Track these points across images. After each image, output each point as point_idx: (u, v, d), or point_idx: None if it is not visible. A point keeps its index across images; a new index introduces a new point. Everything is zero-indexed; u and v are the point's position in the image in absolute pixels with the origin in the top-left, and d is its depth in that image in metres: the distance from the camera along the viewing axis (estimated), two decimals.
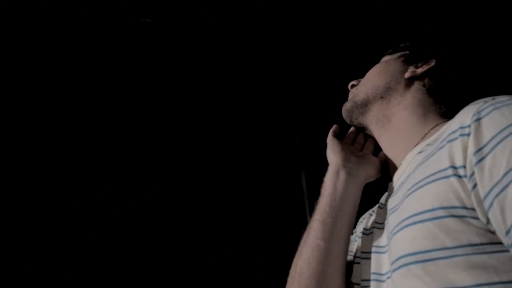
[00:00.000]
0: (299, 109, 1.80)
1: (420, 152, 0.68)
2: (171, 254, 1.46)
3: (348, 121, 0.86)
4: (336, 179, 0.75)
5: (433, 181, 0.57)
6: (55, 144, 1.47)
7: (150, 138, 1.58)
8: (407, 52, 0.82)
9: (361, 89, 0.82)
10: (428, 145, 0.67)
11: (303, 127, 1.78)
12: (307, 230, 0.74)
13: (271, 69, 1.78)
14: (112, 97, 1.57)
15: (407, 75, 0.77)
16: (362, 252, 0.73)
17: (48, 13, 1.49)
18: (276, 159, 1.72)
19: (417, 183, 0.60)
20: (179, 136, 1.61)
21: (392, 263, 0.60)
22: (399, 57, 0.81)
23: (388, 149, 0.78)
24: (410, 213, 0.59)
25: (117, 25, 1.57)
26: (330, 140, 0.84)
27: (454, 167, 0.54)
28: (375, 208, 0.81)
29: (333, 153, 0.80)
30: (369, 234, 0.74)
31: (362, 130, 0.86)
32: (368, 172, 0.79)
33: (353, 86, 0.88)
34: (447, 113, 0.74)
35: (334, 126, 0.87)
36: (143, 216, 1.48)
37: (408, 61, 0.79)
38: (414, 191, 0.60)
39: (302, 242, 0.73)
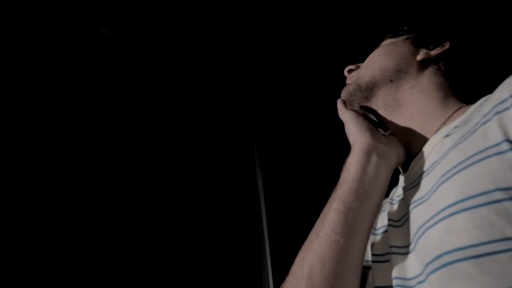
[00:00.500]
0: (257, 113, 1.73)
1: (447, 136, 0.59)
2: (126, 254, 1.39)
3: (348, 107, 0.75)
4: (366, 162, 0.60)
5: (482, 159, 0.48)
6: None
7: (107, 142, 1.49)
8: (414, 34, 0.74)
9: (366, 71, 0.73)
10: (456, 127, 0.59)
11: (260, 131, 1.72)
12: (320, 221, 0.58)
13: (229, 73, 1.71)
14: (67, 107, 1.46)
15: (419, 57, 0.69)
16: (374, 255, 0.62)
17: (4, 23, 1.38)
18: (233, 164, 1.65)
19: (456, 166, 0.51)
20: (137, 139, 1.53)
21: (428, 263, 0.49)
22: (406, 39, 0.74)
23: (399, 137, 0.68)
24: (452, 200, 0.48)
25: (76, 36, 1.48)
26: (351, 114, 0.67)
27: (510, 141, 0.46)
28: (383, 204, 0.70)
29: (359, 129, 0.64)
30: (382, 233, 0.63)
31: (364, 116, 0.75)
32: (400, 155, 0.65)
33: (350, 70, 0.78)
34: (467, 98, 0.66)
35: (341, 99, 0.72)
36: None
37: (417, 44, 0.72)
38: (454, 174, 0.50)
39: (313, 235, 0.58)
